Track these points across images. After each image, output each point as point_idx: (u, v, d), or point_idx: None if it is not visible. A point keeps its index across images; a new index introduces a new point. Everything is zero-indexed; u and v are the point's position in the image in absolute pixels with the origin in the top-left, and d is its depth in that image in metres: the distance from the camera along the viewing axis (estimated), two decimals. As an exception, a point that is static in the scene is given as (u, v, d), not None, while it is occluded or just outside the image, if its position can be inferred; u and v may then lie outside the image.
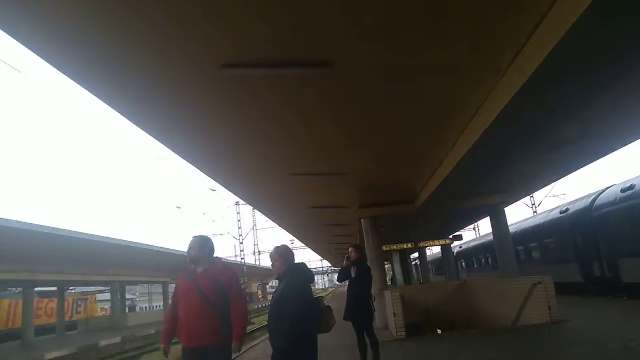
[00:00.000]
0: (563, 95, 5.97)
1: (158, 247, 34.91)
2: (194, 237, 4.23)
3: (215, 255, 4.26)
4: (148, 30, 4.61)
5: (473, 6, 4.59)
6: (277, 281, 4.12)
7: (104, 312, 56.43)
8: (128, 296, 57.23)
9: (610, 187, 14.81)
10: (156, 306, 72.84)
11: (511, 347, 8.22)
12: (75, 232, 24.75)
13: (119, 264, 34.49)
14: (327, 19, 4.61)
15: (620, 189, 13.53)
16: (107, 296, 45.08)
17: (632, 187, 12.84)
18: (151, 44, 4.89)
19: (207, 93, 6.19)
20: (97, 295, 53.51)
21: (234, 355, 4.03)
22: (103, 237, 27.38)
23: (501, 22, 4.89)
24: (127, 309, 49.29)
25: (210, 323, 3.90)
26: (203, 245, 4.18)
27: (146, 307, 77.38)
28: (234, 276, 4.16)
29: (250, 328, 26.93)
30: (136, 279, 44.98)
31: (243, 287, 38.82)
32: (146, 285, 70.31)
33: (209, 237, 4.34)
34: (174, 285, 4.64)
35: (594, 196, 15.32)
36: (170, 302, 4.32)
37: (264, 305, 56.59)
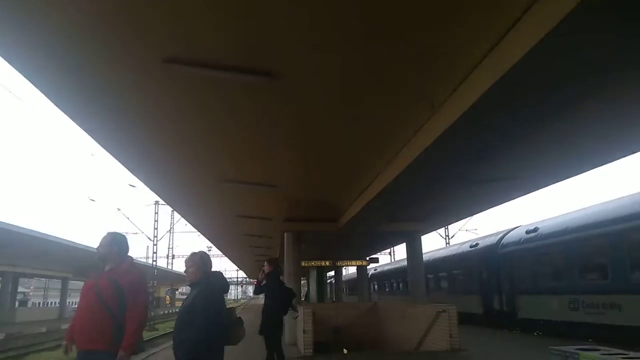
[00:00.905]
0: (483, 139, 6.39)
1: (61, 239, 32.36)
2: (107, 233, 3.96)
3: (127, 255, 3.99)
4: (88, 11, 4.36)
5: (414, 51, 4.84)
6: (188, 287, 3.97)
7: (-12, 305, 51.22)
8: (20, 289, 52.50)
9: (517, 227, 15.99)
10: (51, 302, 67.41)
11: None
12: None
13: (15, 253, 31.48)
14: (276, 31, 4.62)
15: (525, 230, 14.66)
16: (-4, 287, 41.05)
17: (535, 229, 13.96)
18: (90, 27, 4.61)
19: (143, 85, 5.92)
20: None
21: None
22: (-2, 221, 24.86)
23: (437, 64, 5.18)
24: (17, 303, 45.07)
25: (101, 327, 3.57)
26: (112, 242, 3.86)
27: (39, 303, 71.35)
28: (136, 278, 3.80)
29: (152, 334, 25.71)
30: (32, 272, 41.28)
31: (150, 290, 36.82)
32: (43, 279, 65.02)
33: (122, 234, 4.03)
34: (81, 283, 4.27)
35: (501, 234, 16.45)
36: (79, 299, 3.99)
37: (171, 311, 54.31)
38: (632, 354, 3.23)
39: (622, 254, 10.16)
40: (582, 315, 11.10)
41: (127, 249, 3.96)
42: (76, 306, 3.84)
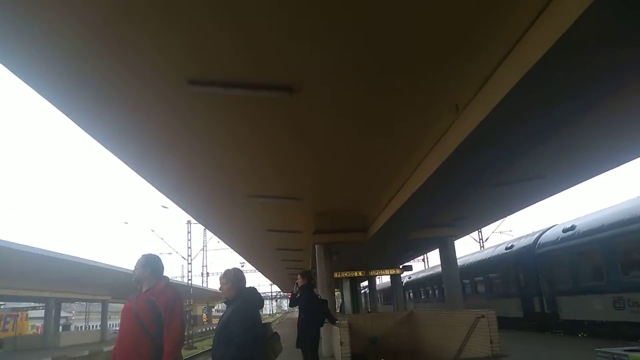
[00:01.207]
0: (513, 138, 6.27)
1: (99, 262, 33.17)
2: (141, 256, 4.02)
3: (163, 275, 4.06)
4: (116, 39, 4.54)
5: (436, 51, 4.83)
6: (224, 304, 4.01)
7: (34, 330, 52.78)
8: (63, 314, 53.96)
9: (552, 226, 15.58)
10: (93, 326, 68.99)
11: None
12: (6, 242, 23.16)
13: (56, 279, 32.49)
14: (294, 46, 4.69)
15: (562, 229, 14.25)
16: (41, 313, 42.20)
17: (572, 227, 13.56)
18: (118, 52, 4.80)
19: (170, 107, 6.11)
20: (28, 311, 50.09)
21: None
22: (37, 248, 25.66)
23: (461, 64, 5.15)
24: (60, 327, 46.33)
25: (140, 349, 3.62)
26: (145, 264, 3.92)
27: (82, 327, 73.11)
28: (172, 298, 3.81)
29: (190, 352, 25.99)
30: (73, 296, 42.44)
31: (187, 309, 37.25)
32: (84, 303, 66.66)
33: (156, 255, 4.07)
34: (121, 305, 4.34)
35: (537, 234, 16.04)
36: None
37: (208, 329, 54.81)
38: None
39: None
40: (628, 314, 10.67)
41: (161, 269, 4.01)
42: (117, 328, 3.92)
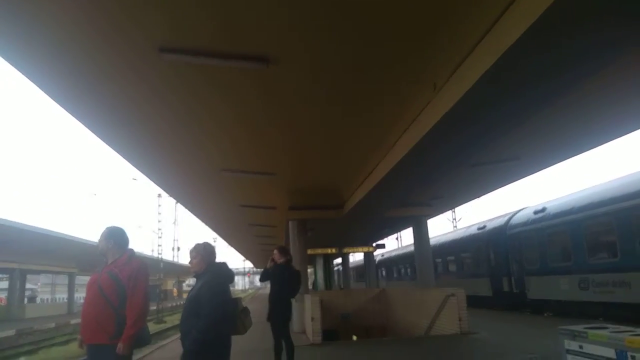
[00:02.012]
0: (490, 118, 6.35)
1: (65, 234, 32.60)
2: (105, 228, 4.00)
3: (127, 247, 4.01)
4: (85, 2, 4.35)
5: (414, 28, 4.81)
6: (195, 279, 4.01)
7: (-2, 302, 51.90)
8: (28, 286, 53.13)
9: (524, 208, 16.00)
10: (59, 298, 68.25)
11: (421, 356, 8.59)
12: (-30, 212, 22.50)
13: (21, 250, 31.84)
14: (268, 14, 4.59)
15: (532, 211, 14.67)
16: (5, 284, 41.44)
17: (543, 209, 13.97)
18: (87, 17, 4.60)
19: (141, 76, 5.92)
20: (-9, 282, 49.16)
21: (125, 355, 3.61)
22: (3, 218, 25.08)
23: (439, 42, 5.15)
24: (25, 299, 45.68)
25: (103, 321, 3.65)
26: (109, 236, 3.93)
27: (48, 299, 72.27)
28: (135, 269, 3.81)
29: (160, 327, 26.04)
30: (39, 268, 41.77)
31: (157, 283, 37.21)
32: (50, 275, 65.78)
33: (120, 227, 4.07)
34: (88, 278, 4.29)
35: (508, 215, 16.47)
36: None
37: (178, 303, 54.88)
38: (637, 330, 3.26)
39: (630, 230, 10.16)
40: (592, 295, 11.15)
41: (125, 241, 4.01)
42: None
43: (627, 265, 10.14)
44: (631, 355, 3.01)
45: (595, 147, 10.21)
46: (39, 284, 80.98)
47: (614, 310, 10.35)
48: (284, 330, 7.08)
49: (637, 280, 9.82)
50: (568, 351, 3.63)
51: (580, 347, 3.49)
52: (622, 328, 3.48)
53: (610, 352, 3.16)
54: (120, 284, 3.72)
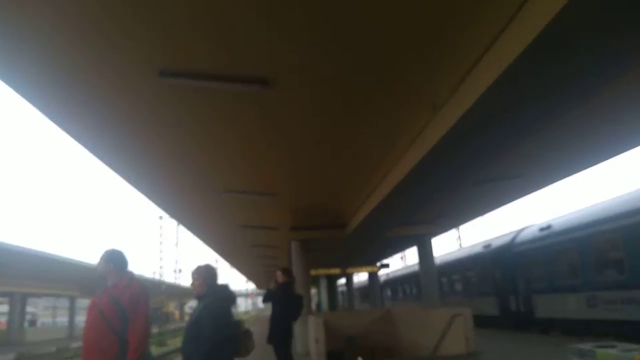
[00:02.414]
0: (491, 136, 6.38)
1: (66, 257, 32.51)
2: (104, 251, 3.99)
3: (126, 270, 3.99)
4: (85, 25, 4.43)
5: (413, 47, 4.87)
6: (197, 301, 3.99)
7: (-2, 326, 51.47)
8: (29, 309, 52.73)
9: (529, 225, 15.92)
10: (60, 321, 67.69)
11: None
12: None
13: (21, 273, 31.72)
14: (267, 38, 4.66)
15: (538, 228, 14.58)
16: (6, 308, 41.25)
17: (548, 227, 13.89)
18: (87, 40, 4.68)
19: (142, 99, 5.99)
20: (-9, 306, 48.74)
21: None
22: (3, 242, 25.04)
23: (438, 61, 5.21)
24: (26, 323, 45.33)
25: (105, 344, 3.64)
26: (108, 259, 3.92)
27: (49, 322, 71.68)
28: (136, 292, 3.82)
29: (164, 349, 25.73)
30: (40, 291, 41.55)
31: (159, 306, 37.02)
32: (51, 298, 65.34)
33: (119, 250, 4.05)
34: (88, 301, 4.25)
35: (514, 233, 16.37)
36: None
37: (180, 326, 54.33)
38: (649, 348, 3.22)
39: (638, 246, 10.08)
40: (601, 312, 11.01)
41: (124, 264, 3.99)
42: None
43: (636, 282, 10.03)
44: (640, 374, 2.97)
45: (598, 163, 10.19)
46: (39, 307, 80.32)
47: (624, 328, 10.20)
48: (286, 352, 7.01)
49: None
50: (577, 371, 3.58)
51: (589, 366, 3.44)
52: (632, 346, 3.43)
53: (619, 371, 3.12)
54: (121, 307, 3.71)
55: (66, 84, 5.64)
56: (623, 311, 10.26)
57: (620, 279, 10.60)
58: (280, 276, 7.21)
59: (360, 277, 44.40)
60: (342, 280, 43.69)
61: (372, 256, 25.89)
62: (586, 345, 3.61)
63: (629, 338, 8.56)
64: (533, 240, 14.60)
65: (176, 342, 29.71)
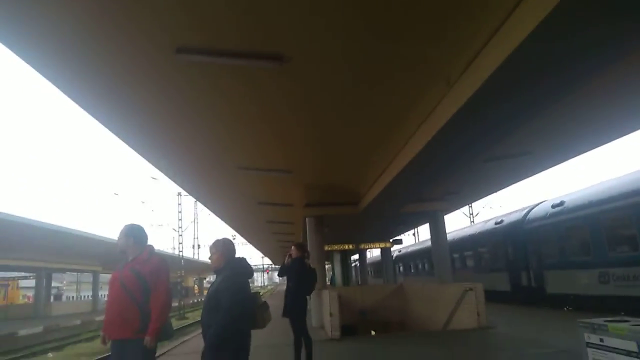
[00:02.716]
0: (503, 112, 6.27)
1: (88, 233, 33.20)
2: (124, 226, 4.08)
3: (147, 244, 4.07)
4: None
5: (429, 19, 4.77)
6: (215, 275, 4.05)
7: (26, 300, 53.13)
8: (54, 284, 54.29)
9: (542, 202, 15.76)
10: (84, 296, 69.58)
11: (439, 350, 8.54)
12: (-4, 212, 23.04)
13: (46, 249, 32.56)
14: (285, 13, 4.60)
15: (550, 205, 14.43)
16: (32, 283, 42.55)
17: (561, 203, 13.73)
18: (107, 17, 4.67)
19: (161, 75, 5.99)
20: (19, 281, 50.35)
21: (151, 349, 3.75)
22: (29, 219, 25.63)
23: (453, 37, 5.10)
24: (52, 297, 46.71)
25: (128, 316, 3.75)
26: (128, 233, 4.01)
27: (73, 297, 73.75)
28: (156, 265, 3.92)
29: (182, 323, 26.36)
30: (64, 267, 42.68)
31: (179, 280, 37.81)
32: (75, 273, 67.09)
33: (138, 225, 4.14)
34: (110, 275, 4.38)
35: (526, 210, 16.24)
36: None
37: (199, 300, 55.48)
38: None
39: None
40: (613, 289, 10.94)
41: (145, 238, 4.08)
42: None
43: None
44: (652, 347, 2.97)
45: (610, 141, 10.03)
46: (64, 282, 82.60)
47: (635, 304, 10.14)
48: (301, 325, 7.12)
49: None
50: (588, 344, 3.58)
51: (601, 340, 3.43)
52: (642, 321, 3.41)
53: (631, 345, 3.11)
54: (143, 279, 3.81)
55: (88, 62, 5.64)
56: (635, 287, 10.19)
57: (631, 255, 10.50)
58: (294, 251, 7.28)
59: (374, 253, 44.66)
60: (356, 256, 43.99)
61: (385, 232, 25.97)
62: (598, 320, 3.60)
63: (638, 313, 8.52)
64: (545, 217, 14.47)
65: (195, 316, 30.42)
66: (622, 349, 3.21)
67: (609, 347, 3.35)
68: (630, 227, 10.70)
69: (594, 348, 3.53)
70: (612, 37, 4.34)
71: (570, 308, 13.00)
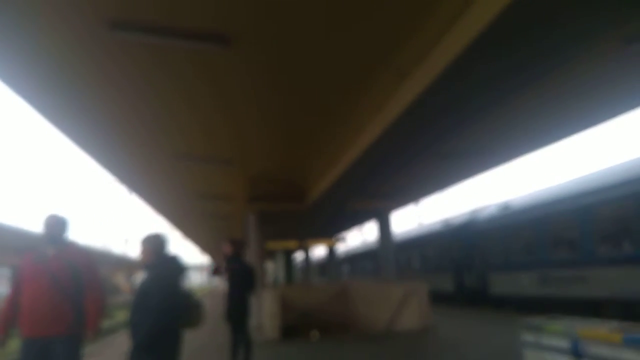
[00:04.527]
0: (452, 109, 6.48)
1: (7, 224, 31.28)
2: (48, 216, 3.99)
3: (70, 238, 4.07)
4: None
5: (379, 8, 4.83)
6: (145, 272, 3.92)
7: None
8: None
9: (487, 205, 16.48)
10: (0, 291, 65.47)
11: (379, 352, 8.72)
12: None
13: None
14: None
15: (495, 208, 15.12)
16: None
17: (505, 207, 14.42)
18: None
19: (90, 55, 5.72)
20: None
21: (87, 344, 3.85)
22: None
23: (407, 28, 5.20)
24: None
25: (59, 310, 3.71)
26: (54, 224, 3.96)
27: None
28: (91, 260, 4.02)
29: (109, 322, 25.42)
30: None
31: (106, 277, 36.58)
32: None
33: (63, 216, 4.09)
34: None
35: (472, 212, 16.92)
36: (11, 287, 3.92)
37: (129, 298, 53.73)
38: (593, 322, 3.43)
39: (587, 228, 10.62)
40: (552, 290, 11.61)
41: (68, 230, 4.07)
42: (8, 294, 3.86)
43: (584, 260, 10.61)
44: (583, 346, 3.17)
45: (559, 140, 10.55)
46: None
47: (573, 305, 10.82)
48: (243, 328, 6.97)
49: (593, 275, 10.29)
50: (525, 344, 3.77)
51: (537, 339, 3.63)
52: (577, 320, 3.64)
53: (565, 343, 3.31)
54: (76, 271, 3.84)
55: (9, 31, 5.27)
56: (573, 288, 10.87)
57: (570, 257, 11.19)
58: (227, 248, 7.07)
59: (319, 252, 44.97)
60: (300, 255, 44.12)
61: (330, 230, 26.16)
62: (535, 320, 3.80)
63: (578, 314, 9.10)
64: (490, 220, 15.14)
65: (124, 315, 29.40)
66: (556, 348, 3.40)
67: (544, 346, 3.55)
68: (568, 230, 11.39)
69: (530, 347, 3.73)
70: (571, 37, 4.58)
71: (511, 309, 13.69)
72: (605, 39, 5.05)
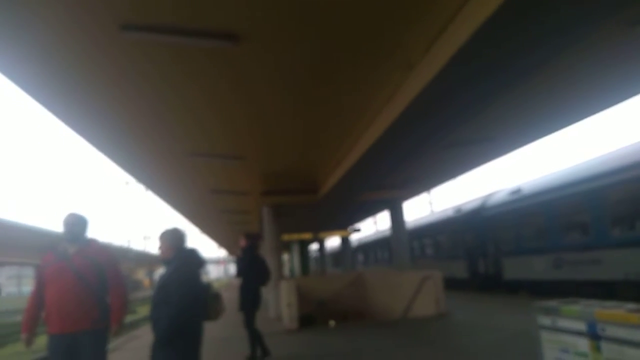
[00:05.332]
0: (461, 97, 6.41)
1: (28, 224, 31.81)
2: (68, 214, 4.04)
3: (90, 236, 4.15)
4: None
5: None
6: (164, 267, 3.95)
7: (-43, 298, 50.45)
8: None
9: (499, 190, 16.34)
10: (26, 291, 66.80)
11: (397, 338, 8.74)
12: None
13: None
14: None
15: (507, 192, 14.98)
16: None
17: (517, 191, 14.28)
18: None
19: (105, 55, 5.70)
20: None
21: (112, 338, 3.95)
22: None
23: (414, 19, 5.14)
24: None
25: (86, 305, 3.77)
26: (75, 222, 4.01)
27: (14, 292, 70.77)
28: (112, 257, 4.09)
29: (132, 317, 25.82)
30: (3, 259, 40.78)
31: (127, 273, 37.40)
32: (15, 267, 64.34)
33: (83, 214, 4.14)
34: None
35: (484, 197, 16.79)
36: (34, 286, 3.99)
37: (150, 294, 54.43)
38: (610, 304, 3.39)
39: (600, 210, 10.49)
40: (567, 273, 11.51)
41: (88, 228, 4.13)
42: (31, 292, 3.94)
43: (598, 243, 10.49)
44: (601, 327, 3.13)
45: (568, 125, 10.44)
46: (2, 276, 79.02)
47: (588, 288, 10.72)
48: (249, 318, 7.03)
49: (608, 257, 10.18)
50: (541, 327, 3.74)
51: (554, 322, 3.59)
52: (593, 302, 3.60)
53: (582, 325, 3.27)
54: (100, 267, 3.90)
55: (25, 35, 5.29)
56: (587, 271, 10.76)
57: (583, 241, 11.06)
58: (242, 241, 7.23)
59: (333, 242, 45.06)
60: (315, 246, 44.23)
61: (344, 221, 26.18)
62: (551, 303, 3.76)
63: (592, 296, 9.02)
64: (502, 204, 15.01)
65: (145, 310, 29.79)
66: (573, 330, 3.37)
67: (561, 328, 3.51)
68: (581, 213, 11.26)
69: (547, 330, 3.70)
70: (575, 21, 4.50)
71: (525, 293, 13.61)
72: (611, 21, 4.94)
